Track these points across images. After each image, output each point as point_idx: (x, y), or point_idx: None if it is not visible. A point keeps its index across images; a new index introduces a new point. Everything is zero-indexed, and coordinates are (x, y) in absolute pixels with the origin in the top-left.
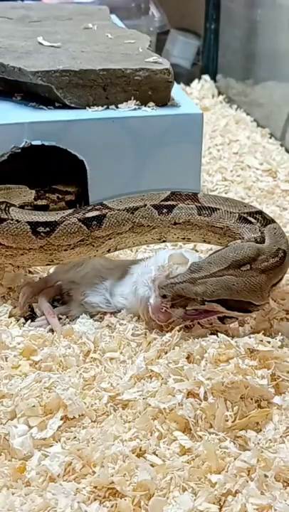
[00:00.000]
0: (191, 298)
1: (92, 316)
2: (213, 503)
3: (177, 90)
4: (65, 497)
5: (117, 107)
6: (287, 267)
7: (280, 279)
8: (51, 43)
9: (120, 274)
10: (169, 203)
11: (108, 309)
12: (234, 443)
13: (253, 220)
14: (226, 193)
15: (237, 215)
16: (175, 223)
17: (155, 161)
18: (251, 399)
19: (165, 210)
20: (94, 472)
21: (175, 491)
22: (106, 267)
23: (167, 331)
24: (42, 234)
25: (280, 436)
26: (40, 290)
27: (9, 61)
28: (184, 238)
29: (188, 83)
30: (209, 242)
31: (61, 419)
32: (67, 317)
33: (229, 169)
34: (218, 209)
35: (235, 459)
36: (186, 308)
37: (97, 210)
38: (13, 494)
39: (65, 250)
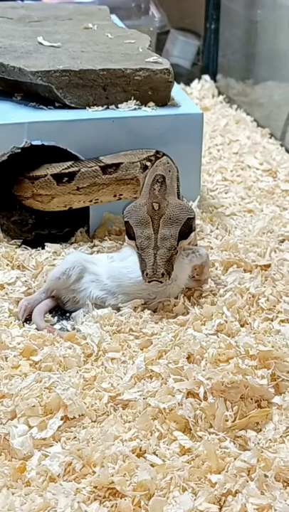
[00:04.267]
0: (170, 256)
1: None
2: (213, 503)
3: (177, 90)
4: (65, 497)
5: (117, 107)
6: None
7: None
8: (51, 43)
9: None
10: (70, 170)
11: (116, 302)
12: (234, 443)
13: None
14: (225, 193)
15: (139, 163)
16: (78, 189)
17: None
18: (251, 399)
19: (66, 179)
20: (94, 472)
21: (175, 491)
22: (90, 262)
23: None
24: None
25: (280, 436)
26: (37, 302)
27: (9, 61)
28: (91, 201)
29: (188, 83)
30: (121, 195)
31: (61, 419)
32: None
33: (229, 169)
34: (122, 163)
35: (235, 459)
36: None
37: None
38: (13, 494)
39: None
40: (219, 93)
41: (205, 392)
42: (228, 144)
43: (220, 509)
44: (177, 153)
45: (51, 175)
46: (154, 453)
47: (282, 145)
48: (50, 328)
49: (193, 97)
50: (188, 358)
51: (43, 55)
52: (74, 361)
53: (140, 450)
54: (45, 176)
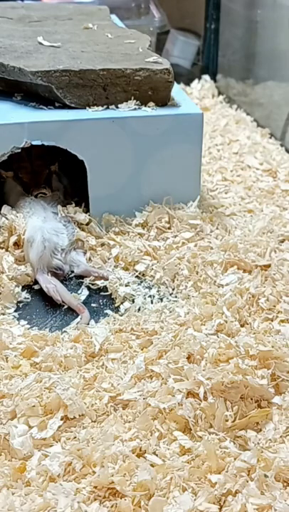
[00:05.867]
0: None
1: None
2: (213, 503)
3: (177, 90)
4: (65, 497)
5: (117, 107)
6: None
7: None
8: (51, 43)
9: None
10: None
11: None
12: (234, 443)
13: None
14: (225, 193)
15: None
16: None
17: (155, 161)
18: (251, 399)
19: None
20: (94, 472)
21: (175, 491)
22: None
23: None
24: None
25: (280, 436)
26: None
27: (9, 61)
28: None
29: (188, 83)
30: None
31: (61, 419)
32: None
33: (229, 169)
34: None
35: (235, 459)
36: None
37: None
38: (13, 494)
39: None
40: (219, 93)
41: (205, 392)
42: (228, 144)
43: (220, 509)
44: (177, 153)
45: None
46: (154, 453)
47: (282, 145)
48: (81, 306)
49: (193, 97)
50: (188, 358)
51: (43, 55)
52: (74, 361)
53: (140, 450)
54: None
